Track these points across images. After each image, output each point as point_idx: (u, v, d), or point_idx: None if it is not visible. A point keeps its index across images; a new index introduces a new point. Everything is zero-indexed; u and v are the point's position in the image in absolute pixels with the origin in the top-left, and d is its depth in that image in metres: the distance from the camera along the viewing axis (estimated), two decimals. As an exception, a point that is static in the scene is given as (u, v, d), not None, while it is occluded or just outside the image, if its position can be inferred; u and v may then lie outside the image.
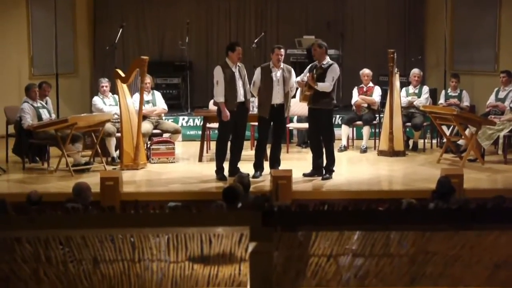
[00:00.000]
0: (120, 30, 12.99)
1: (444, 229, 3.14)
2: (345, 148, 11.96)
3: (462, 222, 3.07)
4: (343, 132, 12.06)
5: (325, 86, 9.74)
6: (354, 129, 12.41)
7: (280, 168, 9.93)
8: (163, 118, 11.76)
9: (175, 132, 11.52)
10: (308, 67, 10.15)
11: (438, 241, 3.22)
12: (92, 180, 9.15)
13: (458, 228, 3.13)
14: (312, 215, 3.09)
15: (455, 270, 3.33)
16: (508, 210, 3.09)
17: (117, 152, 10.95)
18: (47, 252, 3.21)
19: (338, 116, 12.71)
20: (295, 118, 12.34)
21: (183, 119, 13.23)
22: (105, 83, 11.39)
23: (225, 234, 3.15)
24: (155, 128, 11.42)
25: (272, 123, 10.08)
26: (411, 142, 12.19)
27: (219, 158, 10.01)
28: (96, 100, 11.32)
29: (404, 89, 12.17)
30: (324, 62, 9.90)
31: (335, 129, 10.66)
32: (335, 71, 9.86)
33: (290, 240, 3.17)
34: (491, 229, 3.17)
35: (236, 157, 10.08)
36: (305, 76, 9.95)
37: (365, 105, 12.13)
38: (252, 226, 2.98)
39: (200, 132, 11.84)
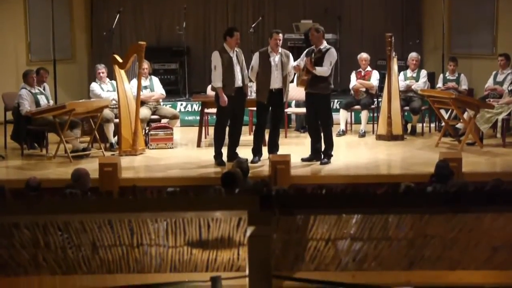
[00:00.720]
0: (117, 16, 12.94)
1: (443, 212, 3.14)
2: (343, 133, 11.96)
3: (460, 205, 3.07)
4: (341, 117, 12.05)
5: (323, 70, 9.73)
6: (352, 113, 12.40)
7: (278, 153, 9.91)
8: (161, 103, 11.74)
9: (173, 117, 11.51)
10: (305, 51, 10.12)
11: (437, 224, 3.22)
12: (91, 166, 9.14)
13: (457, 211, 3.13)
14: (311, 199, 3.09)
15: (453, 253, 3.34)
16: (506, 193, 3.09)
17: (116, 138, 10.94)
18: (46, 237, 3.21)
19: (336, 100, 12.70)
20: (293, 102, 12.32)
21: (181, 104, 13.20)
22: (101, 69, 11.36)
23: (223, 219, 3.14)
24: (153, 113, 11.41)
25: (270, 108, 10.07)
26: (409, 126, 12.17)
27: (218, 143, 10.01)
28: (94, 86, 11.30)
29: (402, 73, 12.14)
30: (322, 47, 9.88)
31: (333, 113, 10.66)
32: (332, 56, 9.85)
33: (289, 224, 3.17)
34: (489, 212, 3.17)
35: (234, 142, 10.07)
36: (301, 61, 9.92)
37: (363, 89, 12.11)
38: (250, 210, 2.98)
39: (198, 118, 11.83)
